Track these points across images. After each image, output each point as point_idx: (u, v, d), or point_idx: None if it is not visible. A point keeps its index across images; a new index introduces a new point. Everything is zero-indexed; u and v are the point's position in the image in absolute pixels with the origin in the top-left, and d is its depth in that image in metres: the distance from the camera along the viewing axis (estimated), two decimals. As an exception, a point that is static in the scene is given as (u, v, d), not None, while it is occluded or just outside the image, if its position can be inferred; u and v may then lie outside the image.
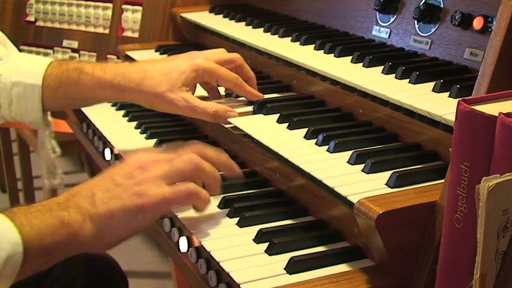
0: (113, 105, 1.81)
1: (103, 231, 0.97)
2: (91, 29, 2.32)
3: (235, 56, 1.40)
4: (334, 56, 1.46)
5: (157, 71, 1.30)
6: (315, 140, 1.23)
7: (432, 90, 1.20)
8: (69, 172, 3.69)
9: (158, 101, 1.30)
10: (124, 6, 2.24)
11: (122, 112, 1.74)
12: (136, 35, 2.20)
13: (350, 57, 1.42)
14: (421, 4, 1.40)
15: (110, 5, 2.27)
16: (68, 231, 0.94)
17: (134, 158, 1.06)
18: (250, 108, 1.41)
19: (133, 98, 1.33)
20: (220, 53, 1.41)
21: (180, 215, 1.16)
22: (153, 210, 1.01)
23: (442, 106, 1.12)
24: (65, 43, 2.37)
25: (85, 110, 1.74)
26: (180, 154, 1.07)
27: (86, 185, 1.02)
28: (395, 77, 1.28)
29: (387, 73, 1.31)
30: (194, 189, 1.05)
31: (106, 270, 1.48)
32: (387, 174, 1.05)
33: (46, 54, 2.41)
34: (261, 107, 1.40)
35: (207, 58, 1.35)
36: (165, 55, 1.92)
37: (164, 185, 1.02)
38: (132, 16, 2.21)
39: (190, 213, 1.15)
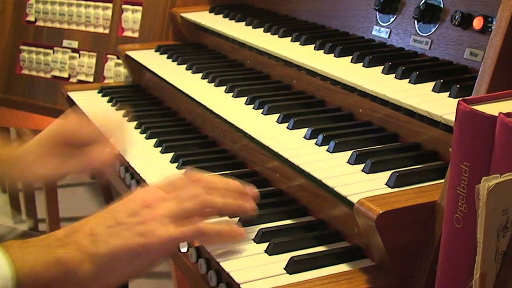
0: (109, 101, 1.82)
1: (103, 272, 0.91)
2: (91, 29, 2.32)
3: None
4: (334, 56, 1.46)
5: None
6: (315, 140, 1.23)
7: (432, 90, 1.20)
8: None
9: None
10: (124, 6, 2.24)
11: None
12: (136, 35, 2.20)
13: (350, 57, 1.42)
14: (421, 4, 1.40)
15: (110, 5, 2.27)
16: (64, 270, 0.89)
17: (138, 194, 1.00)
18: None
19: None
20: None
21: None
22: (158, 250, 0.94)
23: (442, 106, 1.12)
24: (65, 43, 2.37)
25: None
26: (186, 189, 1.01)
27: (87, 221, 0.96)
28: (395, 77, 1.28)
29: (387, 73, 1.31)
30: (202, 228, 0.98)
31: None
32: (387, 174, 1.05)
33: (46, 54, 2.41)
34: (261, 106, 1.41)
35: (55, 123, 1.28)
36: (165, 55, 1.92)
37: (170, 224, 0.95)
38: (132, 16, 2.21)
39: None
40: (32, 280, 0.87)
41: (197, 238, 1.02)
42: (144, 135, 1.57)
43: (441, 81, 1.19)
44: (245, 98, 1.48)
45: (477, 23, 1.25)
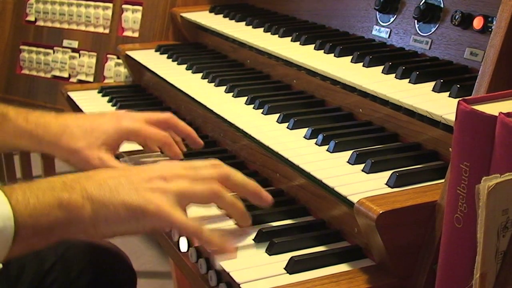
0: (109, 101, 1.82)
1: (100, 219, 0.95)
2: (91, 29, 2.33)
3: (167, 116, 1.33)
4: (334, 56, 1.46)
5: (78, 127, 1.26)
6: (315, 140, 1.23)
7: (432, 90, 1.20)
8: (69, 172, 3.68)
9: (73, 157, 1.26)
10: (124, 6, 2.24)
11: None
12: (136, 34, 2.20)
13: (350, 57, 1.42)
14: (421, 4, 1.40)
15: (110, 5, 2.27)
16: (65, 213, 0.92)
17: (159, 166, 1.03)
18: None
19: (50, 150, 1.28)
20: (151, 114, 1.34)
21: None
22: (154, 221, 0.97)
23: (442, 106, 1.12)
24: (65, 43, 2.37)
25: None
26: (205, 175, 1.03)
27: (102, 172, 1.00)
28: (395, 77, 1.28)
29: (387, 73, 1.31)
30: (200, 231, 0.99)
31: (113, 264, 1.46)
32: (387, 174, 1.05)
33: (46, 54, 2.41)
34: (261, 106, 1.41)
35: (134, 119, 1.30)
36: (165, 55, 1.92)
37: (175, 202, 0.98)
38: (132, 16, 2.21)
39: (190, 213, 1.15)
40: (33, 223, 0.90)
41: (190, 235, 1.03)
42: (144, 135, 1.56)
43: (441, 81, 1.19)
44: (245, 98, 1.48)
45: (477, 23, 1.25)
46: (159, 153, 1.39)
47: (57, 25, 2.41)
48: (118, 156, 1.36)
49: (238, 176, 1.07)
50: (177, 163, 1.05)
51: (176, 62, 1.84)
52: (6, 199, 0.89)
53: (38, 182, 0.94)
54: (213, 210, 1.13)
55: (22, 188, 0.92)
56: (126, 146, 1.33)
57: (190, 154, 1.38)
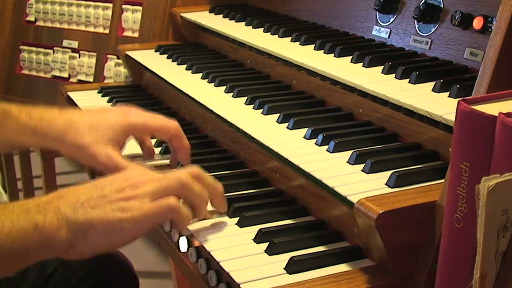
0: (109, 101, 1.82)
1: (78, 240, 0.94)
2: (91, 29, 2.32)
3: (172, 125, 1.30)
4: (334, 56, 1.46)
5: (84, 122, 1.24)
6: (315, 140, 1.23)
7: (432, 90, 1.20)
8: (69, 172, 3.69)
9: (80, 153, 1.24)
10: (124, 6, 2.24)
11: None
12: (136, 35, 2.20)
13: (350, 57, 1.42)
14: (421, 4, 1.40)
15: (110, 5, 2.27)
16: (41, 236, 0.91)
17: (129, 173, 1.04)
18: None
19: (56, 146, 1.26)
20: (157, 116, 1.32)
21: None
22: (132, 227, 0.97)
23: (442, 106, 1.12)
24: (65, 43, 2.37)
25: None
26: (173, 173, 1.05)
27: (75, 189, 0.99)
28: (395, 77, 1.28)
29: (387, 73, 1.31)
30: (174, 204, 1.01)
31: (115, 269, 1.45)
32: (387, 174, 1.05)
33: (46, 54, 2.41)
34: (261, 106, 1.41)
35: (140, 114, 1.30)
36: (165, 55, 1.92)
37: (147, 202, 0.99)
38: (132, 16, 2.21)
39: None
40: (8, 247, 0.89)
41: (168, 215, 1.03)
42: (144, 135, 1.56)
43: (441, 81, 1.19)
44: (245, 98, 1.48)
45: (477, 23, 1.25)
46: (157, 153, 1.39)
47: (57, 25, 2.41)
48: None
49: (208, 177, 1.09)
50: (145, 171, 1.06)
51: (176, 62, 1.84)
52: None
53: (11, 206, 0.93)
54: None
55: None
56: (127, 150, 1.32)
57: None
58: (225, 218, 1.15)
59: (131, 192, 0.99)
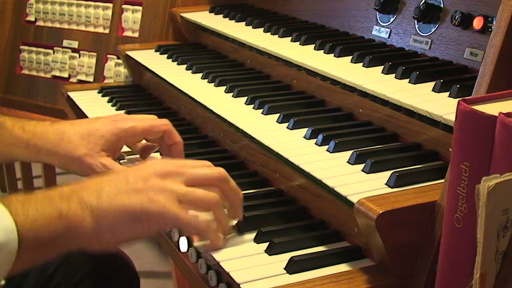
0: (109, 101, 1.82)
1: (103, 228, 0.92)
2: (91, 29, 2.32)
3: (162, 122, 1.29)
4: (334, 56, 1.46)
5: (75, 133, 1.23)
6: (315, 140, 1.23)
7: (432, 90, 1.20)
8: (69, 172, 3.68)
9: (75, 165, 1.23)
10: (124, 6, 2.24)
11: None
12: (136, 35, 2.20)
13: (350, 57, 1.42)
14: (421, 4, 1.40)
15: (110, 5, 2.27)
16: (66, 224, 0.90)
17: (153, 164, 1.02)
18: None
19: (49, 160, 1.26)
20: (146, 117, 1.32)
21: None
22: (159, 220, 0.95)
23: (442, 106, 1.12)
24: (65, 43, 2.37)
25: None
26: (200, 175, 1.02)
27: (97, 179, 0.98)
28: (395, 77, 1.28)
29: (387, 73, 1.31)
30: (202, 227, 1.00)
31: (117, 268, 1.45)
32: (387, 174, 1.05)
33: (46, 54, 2.41)
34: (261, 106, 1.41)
35: (129, 119, 1.29)
36: (165, 55, 1.92)
37: (176, 200, 0.96)
38: (132, 16, 2.21)
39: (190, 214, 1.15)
40: (34, 235, 0.87)
41: (190, 230, 1.03)
42: (144, 135, 1.56)
43: (441, 81, 1.19)
44: (245, 98, 1.48)
45: (477, 23, 1.25)
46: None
47: (57, 25, 2.41)
48: (118, 158, 1.35)
49: (233, 181, 1.06)
50: (168, 161, 1.05)
51: (176, 62, 1.84)
52: (7, 211, 0.86)
53: (35, 194, 0.92)
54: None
55: (19, 200, 0.90)
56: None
57: (189, 155, 1.38)
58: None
59: (157, 182, 0.97)
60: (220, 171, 1.04)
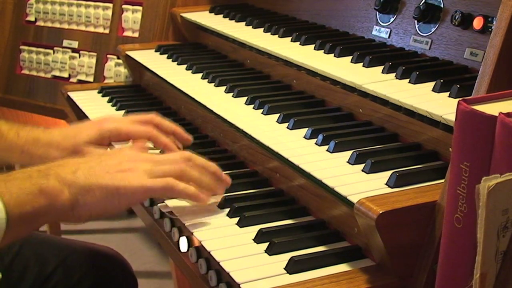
0: (109, 101, 1.82)
1: (78, 203, 1.00)
2: (91, 29, 2.32)
3: (150, 116, 1.35)
4: (334, 56, 1.46)
5: (64, 138, 1.30)
6: (315, 140, 1.23)
7: (432, 90, 1.20)
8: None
9: None
10: (124, 6, 2.24)
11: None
12: (136, 35, 2.20)
13: (350, 57, 1.42)
14: (421, 4, 1.40)
15: (110, 5, 2.27)
16: (46, 199, 0.96)
17: (126, 151, 1.11)
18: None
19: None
20: (134, 116, 1.38)
21: (180, 215, 1.16)
22: (129, 196, 1.04)
23: (442, 106, 1.12)
24: (65, 43, 2.37)
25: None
26: (169, 157, 1.13)
27: (72, 160, 1.06)
28: (395, 77, 1.28)
29: (387, 73, 1.31)
30: (172, 183, 1.08)
31: (114, 269, 1.46)
32: (387, 174, 1.05)
33: (46, 54, 2.41)
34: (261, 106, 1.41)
35: (115, 121, 1.34)
36: (165, 55, 1.92)
37: (146, 177, 1.06)
38: (132, 16, 2.21)
39: (190, 213, 1.15)
40: (19, 211, 0.93)
41: (166, 192, 1.10)
42: (144, 135, 1.56)
43: (441, 81, 1.19)
44: (245, 98, 1.48)
45: (477, 23, 1.25)
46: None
47: (57, 25, 2.41)
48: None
49: (199, 158, 1.15)
50: (142, 153, 1.13)
51: (176, 62, 1.84)
52: None
53: (13, 173, 0.99)
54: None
55: (1, 179, 0.95)
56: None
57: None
58: (226, 218, 1.15)
59: (128, 165, 1.06)
60: (183, 155, 1.13)
